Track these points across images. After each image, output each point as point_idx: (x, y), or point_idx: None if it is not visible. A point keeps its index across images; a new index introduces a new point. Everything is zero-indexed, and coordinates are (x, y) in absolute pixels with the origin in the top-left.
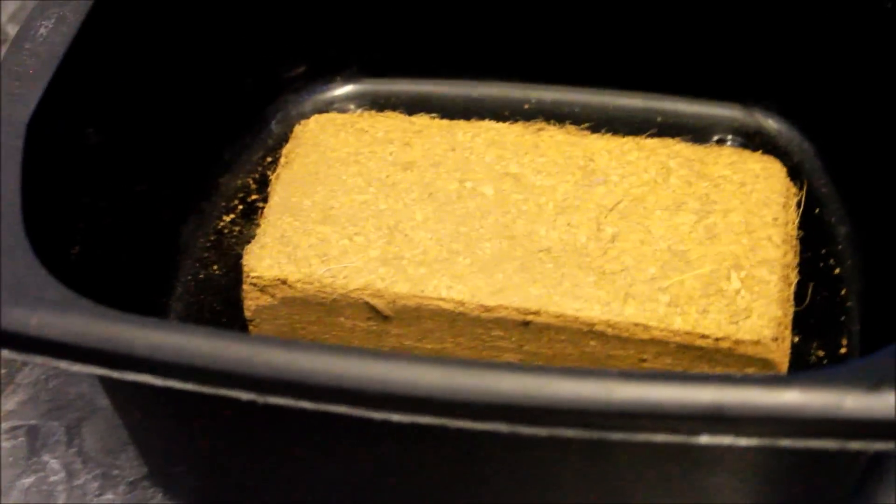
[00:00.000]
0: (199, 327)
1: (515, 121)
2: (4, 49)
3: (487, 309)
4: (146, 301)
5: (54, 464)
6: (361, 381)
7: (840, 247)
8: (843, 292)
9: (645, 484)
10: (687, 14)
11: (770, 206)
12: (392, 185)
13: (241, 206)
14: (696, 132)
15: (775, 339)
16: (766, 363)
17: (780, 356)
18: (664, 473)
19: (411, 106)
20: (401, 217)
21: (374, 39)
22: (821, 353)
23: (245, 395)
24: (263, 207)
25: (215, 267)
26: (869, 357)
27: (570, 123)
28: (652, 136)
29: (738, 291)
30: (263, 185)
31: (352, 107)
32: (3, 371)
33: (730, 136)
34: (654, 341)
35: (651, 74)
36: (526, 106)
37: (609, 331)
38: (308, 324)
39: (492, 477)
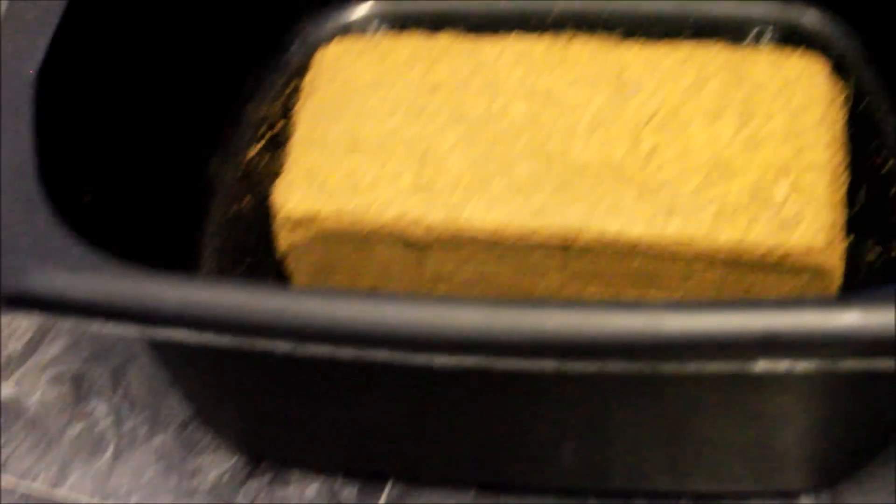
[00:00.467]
0: (230, 280)
1: (543, 32)
2: None
3: (527, 233)
4: (181, 239)
5: (101, 409)
6: (404, 325)
7: (890, 140)
8: (893, 191)
9: (702, 413)
10: None
11: (814, 108)
12: (419, 110)
13: (268, 134)
14: (732, 31)
15: (828, 246)
16: (819, 271)
17: (834, 262)
18: (723, 401)
19: (433, 23)
20: (430, 142)
21: None
22: (872, 257)
23: (283, 346)
24: (289, 137)
25: (246, 199)
26: None
27: (601, 31)
28: (686, 38)
29: (786, 198)
30: (288, 112)
31: (372, 28)
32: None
33: (768, 32)
34: (700, 257)
35: None
36: (552, 16)
37: (653, 250)
38: (344, 257)
39: (539, 415)
